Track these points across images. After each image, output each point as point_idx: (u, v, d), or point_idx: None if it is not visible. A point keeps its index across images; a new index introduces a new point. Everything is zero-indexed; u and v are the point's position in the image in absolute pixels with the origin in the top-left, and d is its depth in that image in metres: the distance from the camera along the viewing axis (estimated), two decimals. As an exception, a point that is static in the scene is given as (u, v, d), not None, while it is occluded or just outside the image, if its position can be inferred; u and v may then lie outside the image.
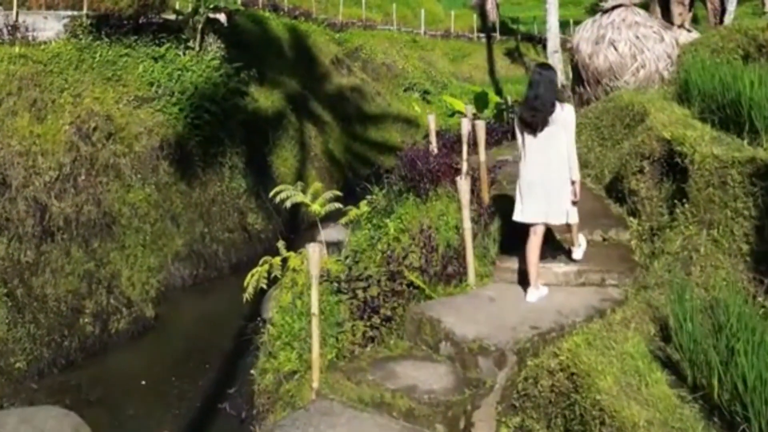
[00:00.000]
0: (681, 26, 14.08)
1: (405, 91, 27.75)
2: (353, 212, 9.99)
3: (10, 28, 14.27)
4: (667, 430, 4.26)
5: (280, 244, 9.72)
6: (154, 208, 13.82)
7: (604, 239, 7.51)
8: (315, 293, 5.84)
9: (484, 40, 36.01)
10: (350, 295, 7.14)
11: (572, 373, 4.86)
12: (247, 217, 15.60)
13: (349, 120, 22.88)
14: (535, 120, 6.35)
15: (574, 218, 6.60)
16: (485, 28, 37.16)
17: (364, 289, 6.97)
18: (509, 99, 19.02)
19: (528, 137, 6.46)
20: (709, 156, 6.33)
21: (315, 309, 5.85)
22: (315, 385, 5.82)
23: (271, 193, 10.37)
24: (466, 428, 5.34)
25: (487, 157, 8.19)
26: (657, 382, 4.67)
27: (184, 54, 15.99)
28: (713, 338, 4.78)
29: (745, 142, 6.60)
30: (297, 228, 16.07)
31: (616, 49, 11.08)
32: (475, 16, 37.73)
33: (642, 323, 5.46)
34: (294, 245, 10.97)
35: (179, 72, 15.50)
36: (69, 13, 15.76)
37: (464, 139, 8.75)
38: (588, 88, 11.38)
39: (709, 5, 17.95)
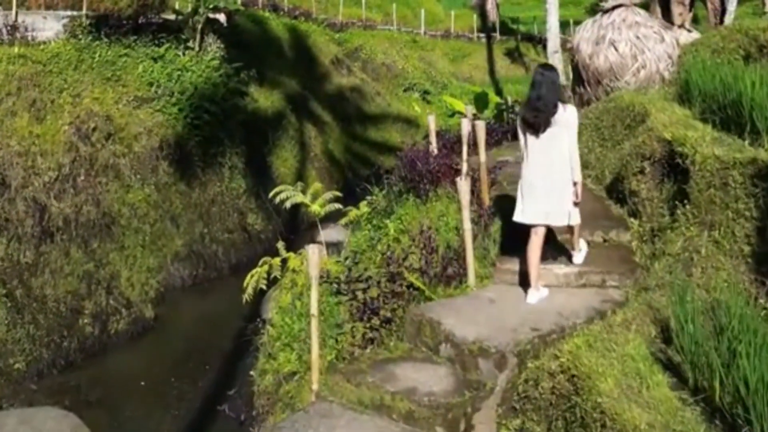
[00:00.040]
0: (681, 26, 14.06)
1: (405, 91, 27.72)
2: (353, 213, 9.97)
3: (9, 28, 14.23)
4: (668, 433, 4.24)
5: (280, 244, 9.69)
6: (154, 208, 13.78)
7: (605, 240, 7.49)
8: (314, 294, 5.82)
9: (484, 40, 35.99)
10: (350, 296, 7.11)
11: (573, 376, 4.84)
12: (247, 217, 15.56)
13: (349, 120, 22.85)
14: (538, 121, 6.34)
15: (576, 219, 6.58)
16: (485, 28, 37.15)
17: (364, 291, 6.95)
18: (509, 99, 18.99)
19: (530, 138, 6.44)
20: (710, 157, 6.31)
21: (314, 310, 5.83)
22: (314, 387, 5.80)
23: (271, 194, 10.35)
24: (466, 431, 5.31)
25: (487, 158, 8.17)
26: (658, 385, 4.65)
27: (184, 54, 15.96)
28: (715, 340, 4.76)
29: (747, 142, 6.58)
30: (297, 228, 16.04)
31: (616, 49, 11.06)
32: (475, 16, 37.72)
33: (643, 325, 5.44)
34: (294, 246, 10.94)
35: (179, 72, 15.46)
36: (68, 13, 15.72)
37: (464, 140, 8.73)
38: (588, 89, 11.36)
39: (709, 5, 17.93)
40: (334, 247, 9.89)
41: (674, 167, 6.98)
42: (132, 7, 15.61)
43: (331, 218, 10.49)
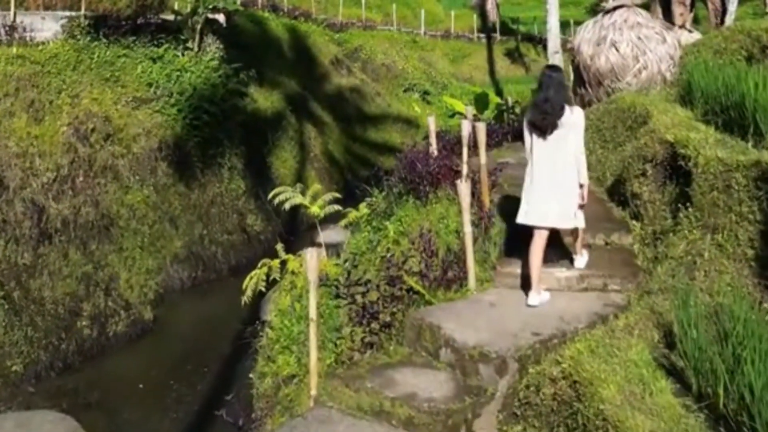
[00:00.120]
0: (682, 27, 14.01)
1: (405, 91, 27.68)
2: (353, 214, 9.93)
3: (7, 28, 14.20)
4: (672, 440, 4.18)
5: (279, 246, 9.65)
6: (153, 209, 13.74)
7: (607, 243, 7.43)
8: (313, 299, 5.76)
9: (484, 41, 35.96)
10: (349, 300, 7.06)
11: (575, 381, 4.79)
12: (246, 218, 15.52)
13: (349, 121, 22.80)
14: (545, 123, 6.31)
15: (580, 222, 6.53)
16: (485, 28, 37.11)
17: (363, 294, 6.89)
18: (509, 100, 18.94)
19: (536, 140, 6.41)
20: (713, 159, 6.26)
21: (313, 315, 5.78)
22: (313, 392, 5.75)
23: (270, 195, 10.31)
24: (467, 437, 5.26)
25: (487, 159, 8.11)
26: (661, 391, 4.60)
27: (183, 55, 15.91)
28: (719, 346, 4.71)
29: (750, 144, 6.53)
30: (296, 229, 15.99)
31: (617, 50, 10.99)
32: (475, 16, 37.68)
33: (645, 330, 5.39)
34: (293, 247, 10.90)
35: (178, 73, 15.41)
36: (67, 13, 15.69)
37: (464, 142, 8.67)
38: (589, 90, 11.29)
39: (710, 6, 17.86)
40: (333, 248, 9.84)
41: (676, 169, 6.93)
42: (131, 7, 15.55)
43: (330, 219, 10.45)
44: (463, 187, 6.89)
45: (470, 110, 13.29)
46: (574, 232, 6.76)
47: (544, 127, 6.32)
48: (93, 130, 13.39)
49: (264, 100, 18.82)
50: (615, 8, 11.58)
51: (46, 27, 14.89)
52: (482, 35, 36.36)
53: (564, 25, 26.40)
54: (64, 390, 10.21)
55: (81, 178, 12.76)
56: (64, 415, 9.09)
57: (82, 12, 15.75)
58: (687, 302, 5.14)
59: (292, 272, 9.00)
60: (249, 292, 9.09)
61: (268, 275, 9.24)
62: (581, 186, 6.43)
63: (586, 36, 11.50)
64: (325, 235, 10.34)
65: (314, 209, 9.85)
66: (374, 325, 6.59)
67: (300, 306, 8.05)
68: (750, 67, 7.90)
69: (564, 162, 6.34)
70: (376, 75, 27.48)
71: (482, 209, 7.57)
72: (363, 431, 5.18)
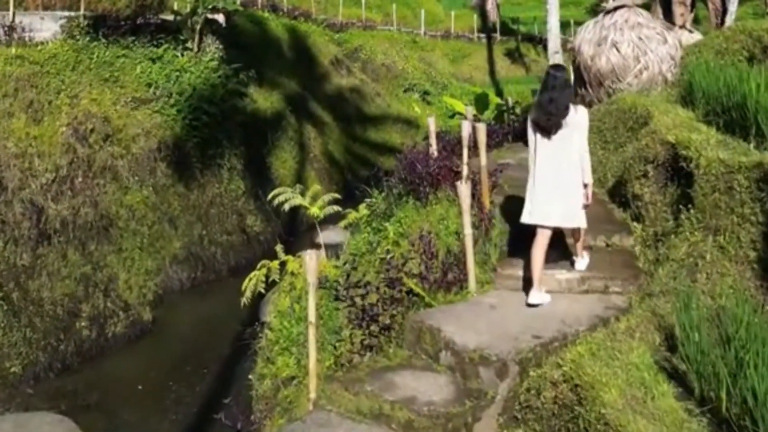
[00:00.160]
0: (683, 27, 13.96)
1: (405, 91, 27.65)
2: (352, 215, 9.90)
3: (6, 28, 14.17)
4: (674, 445, 4.15)
5: (278, 247, 9.62)
6: (152, 210, 13.71)
7: (608, 245, 7.39)
8: (312, 301, 5.72)
9: (484, 41, 35.92)
10: (348, 302, 7.01)
11: (576, 385, 4.75)
12: (246, 219, 15.48)
13: (349, 121, 22.77)
14: (550, 123, 6.29)
15: (582, 222, 6.51)
16: (485, 28, 37.07)
17: (363, 297, 6.84)
18: (510, 100, 18.89)
19: (540, 139, 6.40)
20: (714, 160, 6.22)
21: (312, 317, 5.74)
22: (312, 395, 5.71)
23: (270, 196, 10.28)
24: (467, 440, 5.22)
25: (488, 160, 8.06)
26: (663, 395, 4.56)
27: (182, 55, 15.88)
28: (721, 349, 4.68)
29: (752, 146, 6.50)
30: (296, 230, 15.97)
31: (618, 50, 10.93)
32: (475, 16, 37.64)
33: (647, 332, 5.36)
34: (293, 247, 10.89)
35: (177, 73, 15.38)
36: (66, 13, 15.65)
37: (465, 143, 8.62)
38: (590, 90, 11.24)
39: (710, 6, 17.81)
40: (333, 248, 9.81)
41: (678, 171, 6.90)
42: (130, 7, 15.51)
43: (330, 219, 10.43)
44: (464, 189, 6.85)
45: (470, 111, 13.24)
46: (575, 233, 6.72)
47: (549, 127, 6.30)
48: (92, 130, 13.37)
49: (264, 100, 18.78)
50: (616, 8, 11.53)
51: (45, 27, 14.86)
52: (482, 35, 36.32)
53: (564, 25, 26.35)
54: (63, 391, 10.19)
55: (80, 179, 12.73)
56: (63, 417, 9.08)
57: (81, 12, 15.72)
58: (689, 305, 5.11)
59: (292, 273, 8.97)
60: (248, 294, 9.07)
61: (267, 276, 9.22)
62: (585, 186, 6.42)
63: (586, 36, 11.45)
64: (325, 236, 10.32)
65: (314, 210, 9.81)
66: (374, 328, 6.55)
67: (299, 307, 8.03)
68: (752, 68, 7.86)
69: (568, 161, 6.33)
70: (376, 75, 27.45)
71: (482, 211, 7.52)
72: (362, 435, 5.14)
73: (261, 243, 15.08)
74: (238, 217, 15.34)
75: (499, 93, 26.84)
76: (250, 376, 8.36)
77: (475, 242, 7.03)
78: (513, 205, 7.81)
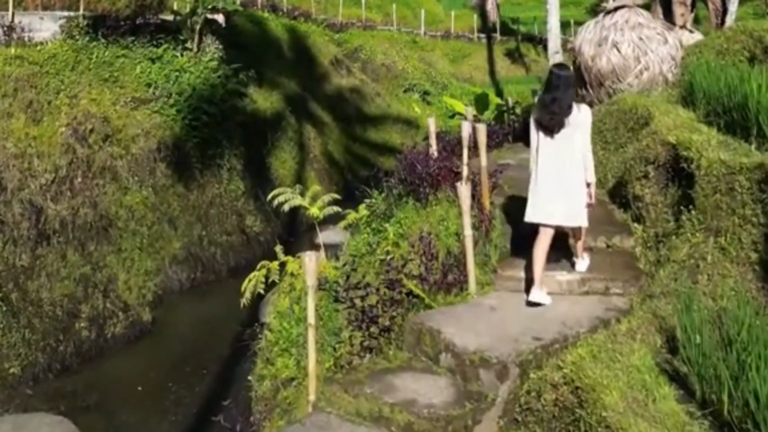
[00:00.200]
0: (683, 27, 13.92)
1: (405, 92, 27.62)
2: (352, 216, 9.86)
3: (5, 28, 14.15)
4: (676, 448, 4.12)
5: (278, 248, 9.59)
6: (151, 210, 13.69)
7: (608, 246, 7.37)
8: (311, 303, 5.70)
9: (484, 41, 35.90)
10: (348, 303, 6.98)
11: (577, 387, 4.73)
12: (246, 219, 15.46)
13: (349, 121, 22.74)
14: (553, 123, 6.30)
15: (584, 221, 6.50)
16: (485, 28, 37.05)
17: (363, 298, 6.81)
18: (510, 100, 18.87)
19: (543, 138, 6.40)
20: (716, 161, 6.20)
21: (311, 319, 5.71)
22: (311, 397, 5.68)
23: (270, 196, 10.25)
24: (467, 443, 5.19)
25: (488, 161, 8.04)
26: (665, 398, 4.54)
27: (182, 55, 15.85)
28: (722, 351, 4.65)
29: (753, 146, 6.47)
30: (296, 230, 15.95)
31: (619, 50, 10.91)
32: (475, 16, 37.62)
33: (648, 334, 5.33)
34: (293, 248, 10.86)
35: (177, 73, 15.35)
36: (65, 13, 15.63)
37: (465, 143, 8.60)
38: (590, 91, 11.21)
39: (710, 6, 17.78)
40: (333, 249, 9.78)
41: (679, 171, 6.88)
42: (130, 7, 15.49)
43: (330, 220, 10.40)
44: (464, 190, 6.83)
45: (470, 111, 13.23)
46: (576, 232, 6.70)
47: (552, 126, 6.31)
48: (91, 130, 13.35)
49: (263, 100, 18.76)
50: (616, 9, 11.50)
51: (45, 27, 14.84)
52: (482, 35, 36.30)
53: (564, 25, 26.30)
54: (62, 392, 10.16)
55: (79, 179, 12.71)
56: (62, 418, 9.06)
57: (81, 12, 15.70)
58: (690, 307, 5.08)
59: (291, 274, 8.94)
60: (248, 294, 9.03)
61: (267, 277, 9.18)
62: (588, 185, 6.42)
63: (587, 37, 11.42)
64: (325, 236, 10.28)
65: (313, 211, 9.78)
66: (373, 329, 6.52)
67: (299, 308, 7.99)
68: (753, 69, 7.83)
69: (571, 160, 6.34)
70: (375, 75, 27.42)
71: (483, 212, 7.49)
72: (362, 437, 5.12)
73: (261, 243, 15.06)
74: (237, 217, 15.32)
75: (499, 93, 26.81)
76: (249, 377, 8.32)
77: (476, 243, 7.00)
78: (513, 206, 7.79)
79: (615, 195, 8.37)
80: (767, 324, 4.83)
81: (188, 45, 16.22)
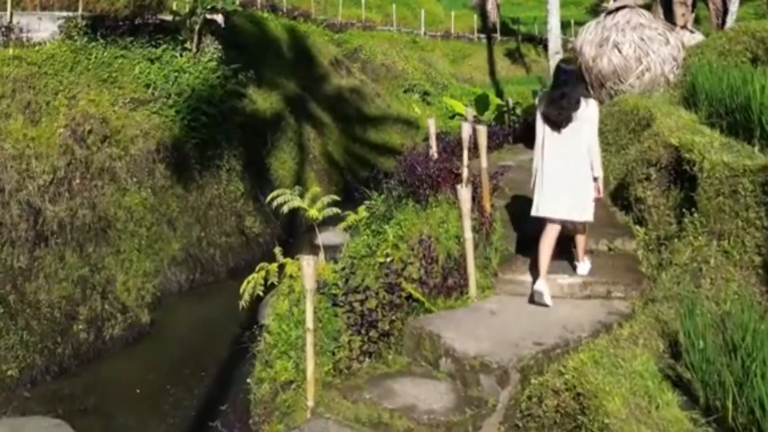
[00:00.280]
0: (684, 27, 13.87)
1: (405, 92, 27.57)
2: (351, 217, 9.81)
3: (3, 29, 14.12)
4: (679, 456, 4.06)
5: (277, 249, 9.54)
6: (150, 211, 13.63)
7: (610, 249, 7.31)
8: (309, 307, 5.64)
9: (484, 41, 35.86)
10: (347, 307, 6.92)
11: (578, 393, 4.67)
12: (245, 220, 15.40)
13: (349, 122, 22.68)
14: (561, 118, 6.32)
15: (590, 216, 6.49)
16: (486, 28, 37.00)
17: (362, 302, 6.74)
18: (510, 100, 18.83)
19: (550, 133, 6.41)
20: (719, 163, 6.15)
21: (310, 323, 5.65)
22: (310, 402, 5.62)
23: (269, 197, 10.19)
24: (468, 449, 5.13)
25: (488, 163, 7.98)
26: (668, 404, 4.47)
27: (181, 55, 15.80)
28: (726, 357, 4.58)
29: (756, 148, 6.42)
30: (295, 231, 15.88)
31: (620, 51, 10.86)
32: (475, 16, 37.58)
33: (650, 339, 5.27)
34: (292, 249, 10.80)
35: (176, 74, 15.30)
36: (64, 14, 15.57)
37: (465, 144, 8.54)
38: (592, 92, 11.16)
39: (711, 6, 17.73)
40: (332, 250, 9.72)
41: (681, 174, 6.82)
42: (128, 7, 15.45)
43: (330, 220, 10.34)
44: (464, 192, 6.77)
45: (470, 111, 13.18)
46: (579, 229, 6.64)
47: (560, 121, 6.34)
48: (90, 131, 13.29)
49: (263, 101, 18.71)
50: (617, 9, 11.45)
51: (43, 27, 14.79)
52: (482, 35, 36.25)
53: (564, 25, 26.28)
54: (60, 395, 10.09)
55: (78, 180, 12.65)
56: (60, 421, 9.01)
57: (80, 12, 15.65)
58: (693, 311, 5.02)
59: (290, 276, 8.88)
60: (246, 296, 8.98)
61: (266, 279, 9.13)
62: (596, 179, 6.42)
63: (588, 37, 11.37)
64: (324, 237, 10.23)
65: (313, 212, 9.73)
66: (373, 334, 6.46)
67: (298, 311, 7.92)
68: (755, 69, 7.78)
69: (577, 155, 6.35)
70: (375, 75, 27.38)
71: (483, 214, 7.44)
72: (361, 443, 5.06)
73: (260, 244, 15.00)
74: (237, 218, 15.26)
75: (500, 93, 26.78)
76: (248, 380, 8.27)
77: (476, 246, 6.95)
78: (514, 208, 7.73)
79: (617, 197, 8.31)
80: (772, 329, 4.76)
81: (187, 45, 16.17)
